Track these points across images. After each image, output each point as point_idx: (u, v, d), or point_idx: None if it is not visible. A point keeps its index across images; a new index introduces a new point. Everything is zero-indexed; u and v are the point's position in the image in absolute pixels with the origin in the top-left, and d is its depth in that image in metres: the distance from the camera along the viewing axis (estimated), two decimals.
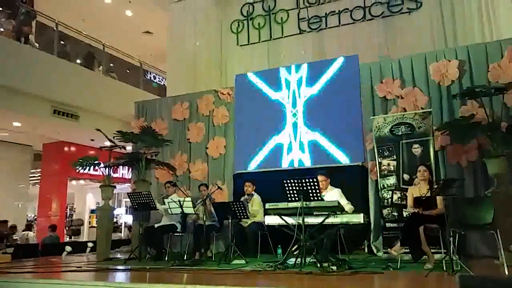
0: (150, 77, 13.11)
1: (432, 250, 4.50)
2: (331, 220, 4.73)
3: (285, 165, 6.95)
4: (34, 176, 12.69)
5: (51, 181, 11.40)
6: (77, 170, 7.80)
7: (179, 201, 5.77)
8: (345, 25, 8.25)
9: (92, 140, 10.93)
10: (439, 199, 4.54)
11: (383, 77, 6.43)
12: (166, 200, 6.05)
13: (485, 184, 5.44)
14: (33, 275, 4.56)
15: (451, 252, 3.93)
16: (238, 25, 9.23)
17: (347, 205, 5.17)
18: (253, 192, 6.42)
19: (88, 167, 7.55)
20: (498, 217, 4.34)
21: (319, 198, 4.60)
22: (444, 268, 4.02)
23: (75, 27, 10.50)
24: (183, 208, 5.75)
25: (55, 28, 9.86)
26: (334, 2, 8.40)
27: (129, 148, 8.53)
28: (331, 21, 8.39)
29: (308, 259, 4.52)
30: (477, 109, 5.53)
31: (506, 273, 3.88)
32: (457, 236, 4.21)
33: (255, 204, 6.30)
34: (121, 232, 14.18)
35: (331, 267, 4.27)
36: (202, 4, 9.80)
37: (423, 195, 4.64)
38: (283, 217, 4.86)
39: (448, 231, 4.09)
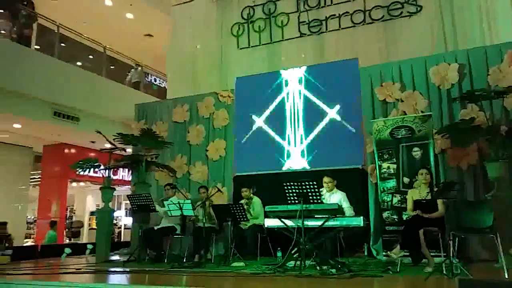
0: (151, 80, 13.11)
1: (432, 254, 4.50)
2: (331, 223, 4.74)
3: (285, 167, 6.95)
4: (34, 178, 12.68)
5: (51, 183, 11.39)
6: (77, 172, 7.83)
7: (179, 203, 5.77)
8: (345, 29, 8.26)
9: (92, 142, 10.93)
10: (439, 202, 4.55)
11: (383, 80, 6.44)
12: (165, 202, 6.05)
13: (485, 188, 5.44)
14: (32, 277, 4.55)
15: (451, 255, 3.92)
16: (239, 28, 9.24)
17: (348, 209, 5.16)
18: (251, 195, 6.40)
19: (88, 169, 7.58)
20: (498, 220, 4.33)
21: (319, 201, 4.60)
22: (444, 272, 4.01)
23: (76, 30, 10.53)
24: (183, 210, 5.75)
25: (56, 31, 9.89)
26: (334, 6, 8.41)
27: (129, 150, 8.54)
28: (331, 24, 8.40)
29: (307, 262, 4.52)
30: (477, 113, 5.55)
31: (506, 277, 3.87)
32: (457, 240, 4.20)
33: (256, 206, 6.29)
34: (120, 234, 14.17)
35: (330, 270, 4.26)
36: (203, 7, 9.82)
37: (423, 198, 4.65)
38: (282, 219, 4.86)
39: (448, 234, 4.08)
